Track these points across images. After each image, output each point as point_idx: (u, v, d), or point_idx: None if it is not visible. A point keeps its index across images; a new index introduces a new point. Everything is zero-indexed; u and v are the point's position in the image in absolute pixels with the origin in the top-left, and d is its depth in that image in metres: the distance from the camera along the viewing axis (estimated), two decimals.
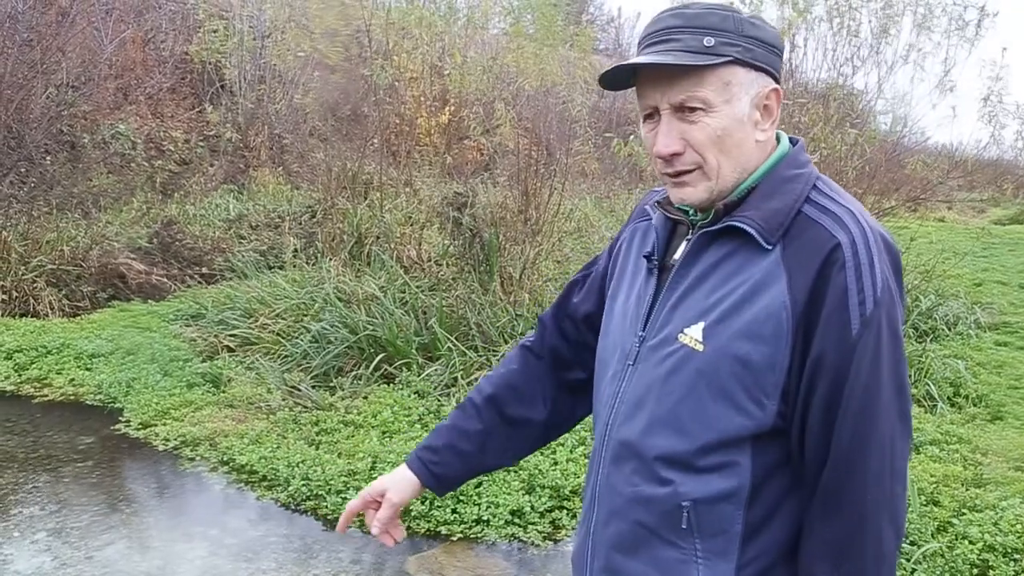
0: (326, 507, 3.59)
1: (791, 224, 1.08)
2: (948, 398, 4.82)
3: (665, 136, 1.10)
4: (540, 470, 3.69)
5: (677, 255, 1.17)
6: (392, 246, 6.43)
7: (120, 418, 4.63)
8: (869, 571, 1.07)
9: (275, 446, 4.08)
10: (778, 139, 1.18)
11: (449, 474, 1.39)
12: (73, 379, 5.11)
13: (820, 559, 1.07)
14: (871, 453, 1.04)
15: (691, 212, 1.16)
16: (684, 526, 1.10)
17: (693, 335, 1.09)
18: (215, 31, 10.47)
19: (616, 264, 1.32)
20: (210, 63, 10.52)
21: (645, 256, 1.21)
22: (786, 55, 6.14)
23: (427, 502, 3.53)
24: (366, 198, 7.36)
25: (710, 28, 1.07)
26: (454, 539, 3.38)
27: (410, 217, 7.16)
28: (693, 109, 1.08)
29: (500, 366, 1.46)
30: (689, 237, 1.16)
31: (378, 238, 6.67)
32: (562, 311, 1.43)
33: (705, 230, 1.12)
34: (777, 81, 1.12)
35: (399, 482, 1.39)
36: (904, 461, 1.09)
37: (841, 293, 1.03)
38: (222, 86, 10.69)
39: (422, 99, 9.18)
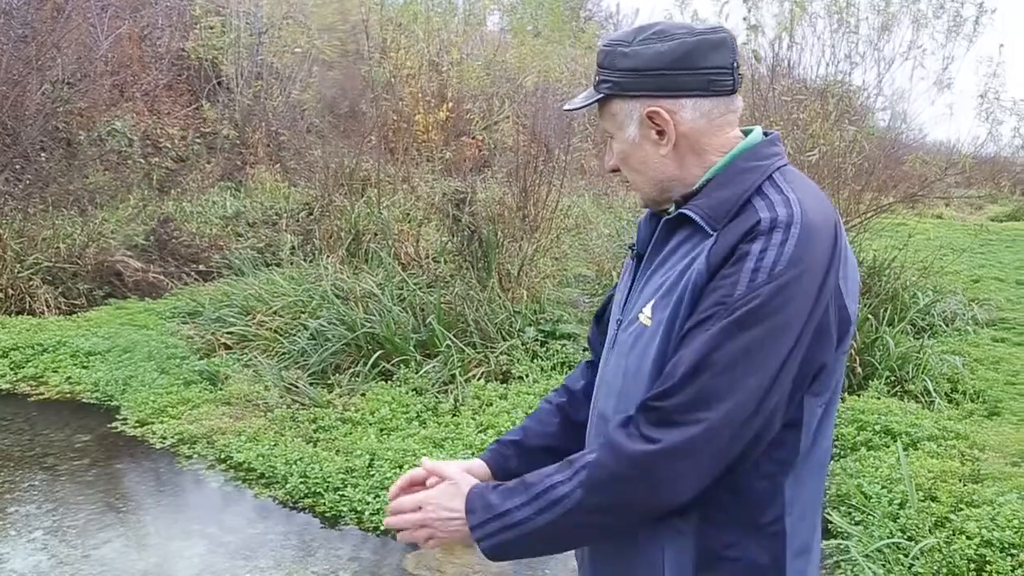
0: (324, 504, 3.58)
1: (738, 212, 1.14)
2: (945, 394, 4.83)
3: (606, 155, 1.30)
4: None
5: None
6: (390, 243, 6.42)
7: (117, 416, 4.62)
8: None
9: (273, 443, 4.07)
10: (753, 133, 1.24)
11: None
12: (69, 377, 5.09)
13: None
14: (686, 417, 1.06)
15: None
16: None
17: (646, 312, 1.18)
18: (212, 27, 10.44)
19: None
20: (207, 59, 10.49)
21: (629, 247, 1.33)
22: (784, 50, 6.14)
23: None
24: (364, 195, 7.35)
25: (599, 66, 1.23)
26: None
27: (408, 214, 7.15)
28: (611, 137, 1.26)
29: (570, 376, 1.52)
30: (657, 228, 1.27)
31: (376, 235, 6.66)
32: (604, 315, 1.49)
33: (666, 219, 1.23)
34: (681, 94, 1.17)
35: (468, 472, 1.34)
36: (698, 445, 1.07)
37: (742, 256, 1.08)
38: (219, 83, 10.66)
39: (420, 96, 9.16)
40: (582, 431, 1.34)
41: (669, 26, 1.19)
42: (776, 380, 1.07)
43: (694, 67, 1.17)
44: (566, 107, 1.31)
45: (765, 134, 1.24)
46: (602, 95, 1.22)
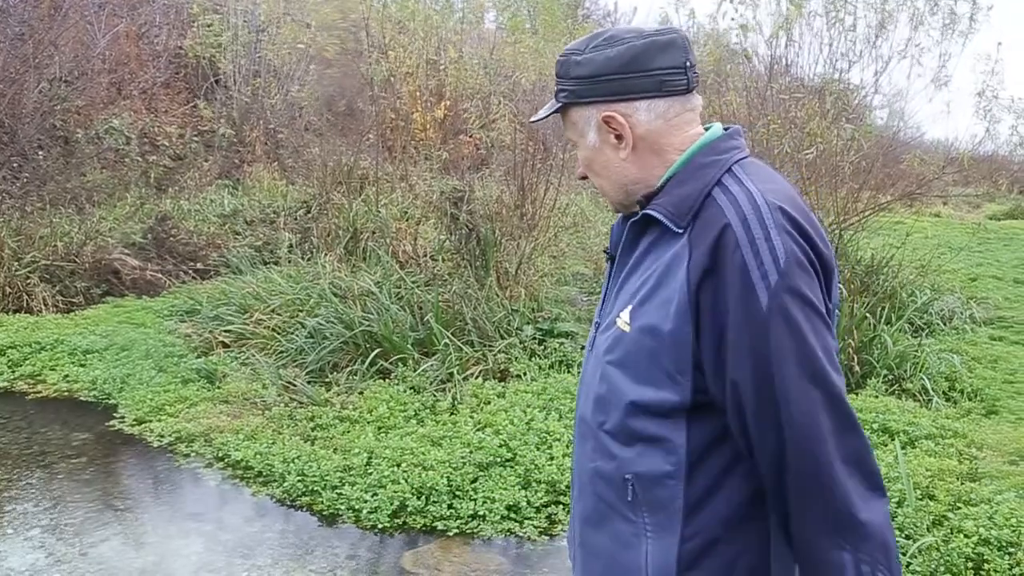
0: (322, 503, 3.58)
1: (700, 207, 1.15)
2: (943, 393, 4.83)
3: (578, 163, 1.33)
4: (536, 465, 3.69)
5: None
6: (388, 241, 6.42)
7: (114, 414, 4.61)
8: (870, 529, 1.06)
9: (270, 442, 4.07)
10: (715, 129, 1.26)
11: None
12: (67, 375, 5.09)
13: (819, 537, 1.07)
14: (821, 422, 1.06)
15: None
16: (630, 499, 1.17)
17: (624, 318, 1.18)
18: (209, 25, 10.42)
19: None
20: (204, 58, 10.46)
21: (604, 251, 1.36)
22: (781, 49, 6.14)
23: (423, 497, 3.53)
24: (361, 193, 7.34)
25: (557, 76, 1.26)
26: (450, 534, 3.37)
27: (406, 212, 7.15)
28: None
29: None
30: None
31: (374, 233, 6.65)
32: None
33: (632, 221, 1.24)
34: (633, 97, 1.20)
35: None
36: (852, 415, 1.09)
37: (742, 272, 1.07)
38: (216, 81, 10.64)
39: (418, 94, 9.15)
40: None
41: (619, 31, 1.22)
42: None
43: (644, 69, 1.19)
44: (532, 119, 1.36)
45: (725, 129, 1.24)
46: (560, 104, 1.25)
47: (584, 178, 1.32)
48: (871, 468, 1.09)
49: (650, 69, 1.19)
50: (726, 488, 1.14)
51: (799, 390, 1.05)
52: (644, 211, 1.19)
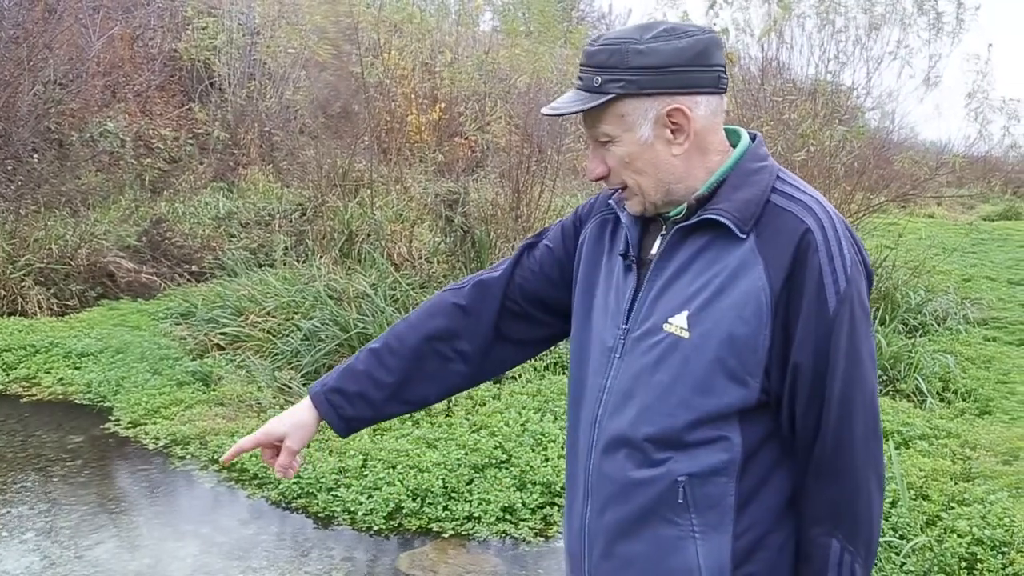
0: (317, 505, 3.58)
1: (762, 213, 1.16)
2: (937, 393, 4.85)
3: (590, 162, 1.24)
4: (532, 467, 3.69)
5: (654, 250, 1.23)
6: (383, 244, 6.42)
7: (110, 417, 4.60)
8: (863, 527, 1.15)
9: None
10: (738, 134, 1.25)
11: (357, 419, 1.41)
12: (62, 378, 5.08)
13: (818, 521, 1.16)
14: (857, 419, 1.14)
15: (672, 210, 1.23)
16: (680, 501, 1.15)
17: (678, 323, 1.15)
18: (204, 28, 10.40)
19: (582, 257, 1.36)
20: (199, 60, 10.45)
21: (621, 254, 1.27)
22: (773, 51, 6.17)
23: (418, 499, 3.53)
24: (357, 196, 7.34)
25: (599, 67, 1.17)
26: (445, 536, 3.38)
27: (401, 214, 7.15)
28: (604, 142, 1.20)
29: (423, 316, 1.44)
30: (664, 233, 1.23)
31: (369, 236, 6.65)
32: (511, 283, 1.42)
33: (681, 225, 1.19)
34: (697, 91, 1.16)
35: (299, 429, 1.39)
36: (880, 421, 1.19)
37: (817, 274, 1.12)
38: (211, 83, 10.63)
39: (412, 96, 9.16)
40: (437, 379, 1.42)
41: (678, 24, 1.19)
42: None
43: (709, 64, 1.17)
44: (555, 112, 1.22)
45: (749, 135, 1.25)
46: (612, 95, 1.16)
47: (601, 179, 1.23)
48: (882, 469, 1.17)
49: (712, 64, 1.17)
50: (775, 481, 1.17)
51: (843, 387, 1.12)
52: (705, 215, 1.16)
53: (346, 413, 1.40)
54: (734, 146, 1.23)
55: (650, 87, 1.15)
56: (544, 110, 1.25)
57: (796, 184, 1.20)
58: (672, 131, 1.17)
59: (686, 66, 1.15)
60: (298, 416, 1.40)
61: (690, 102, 1.16)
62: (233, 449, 1.41)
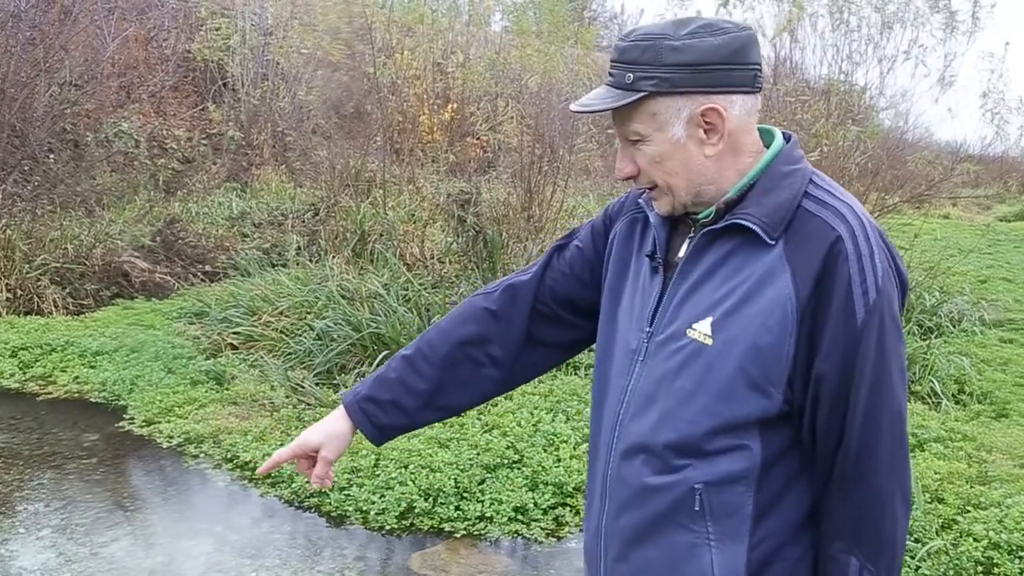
0: (330, 504, 3.59)
1: (792, 219, 1.12)
2: (953, 395, 4.81)
3: (619, 161, 1.20)
4: (544, 467, 3.69)
5: (681, 253, 1.20)
6: (395, 243, 6.43)
7: (124, 415, 4.64)
8: (886, 548, 1.12)
9: (279, 443, 4.08)
10: (772, 134, 1.21)
11: (391, 426, 1.41)
12: (77, 377, 5.12)
13: (838, 536, 1.12)
14: (883, 430, 1.10)
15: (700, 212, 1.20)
16: (697, 508, 1.14)
17: (702, 330, 1.13)
18: (217, 29, 10.46)
19: (611, 257, 1.34)
20: (213, 61, 10.51)
21: (648, 255, 1.24)
22: (786, 51, 6.14)
23: (430, 499, 3.54)
24: (369, 196, 7.36)
25: (631, 63, 1.13)
26: (457, 536, 3.38)
27: (413, 214, 7.16)
28: (634, 140, 1.16)
29: (454, 322, 1.42)
30: (691, 235, 1.19)
31: (381, 235, 6.67)
32: (541, 285, 1.40)
33: (708, 228, 1.16)
34: (732, 90, 1.13)
35: (334, 439, 1.40)
36: (907, 438, 1.15)
37: (846, 284, 1.08)
38: (224, 84, 10.69)
39: (425, 96, 9.17)
40: (471, 386, 1.40)
41: (714, 20, 1.15)
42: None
43: (746, 62, 1.13)
44: (585, 110, 1.17)
45: (784, 134, 1.21)
46: (645, 92, 1.12)
47: (630, 178, 1.20)
48: (908, 488, 1.13)
49: (749, 63, 1.13)
50: (794, 494, 1.14)
51: (869, 395, 1.09)
52: (733, 220, 1.13)
53: (380, 421, 1.39)
54: (767, 146, 1.19)
55: (684, 85, 1.11)
56: (573, 106, 1.20)
57: (830, 189, 1.16)
58: (706, 131, 1.13)
59: (722, 64, 1.11)
60: (332, 426, 1.40)
61: (725, 101, 1.12)
62: (270, 461, 1.40)
